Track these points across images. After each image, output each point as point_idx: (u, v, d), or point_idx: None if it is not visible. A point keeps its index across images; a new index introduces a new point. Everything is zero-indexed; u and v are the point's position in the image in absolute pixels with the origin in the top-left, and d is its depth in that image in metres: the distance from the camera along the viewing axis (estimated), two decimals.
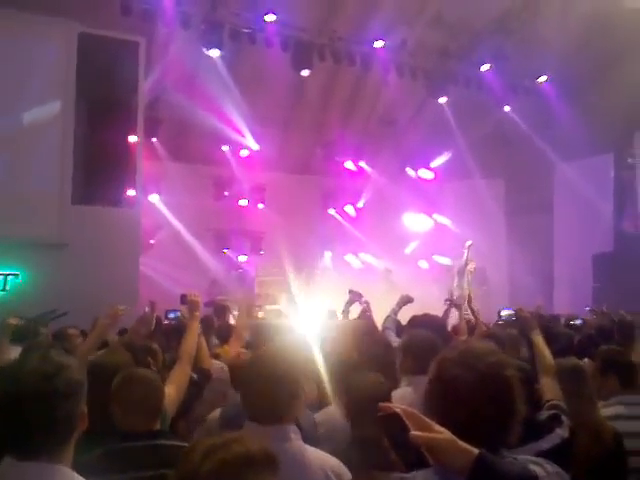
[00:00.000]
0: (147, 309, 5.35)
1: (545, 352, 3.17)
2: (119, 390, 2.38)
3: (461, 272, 11.98)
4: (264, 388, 2.06)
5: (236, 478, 1.22)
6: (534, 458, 1.54)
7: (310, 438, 2.29)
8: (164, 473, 2.04)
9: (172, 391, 3.09)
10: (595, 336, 5.31)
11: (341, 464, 2.08)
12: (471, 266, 12.01)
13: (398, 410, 1.34)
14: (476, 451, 1.29)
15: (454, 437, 1.31)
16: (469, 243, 11.91)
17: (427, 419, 1.35)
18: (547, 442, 2.26)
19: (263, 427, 2.01)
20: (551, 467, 1.49)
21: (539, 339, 3.26)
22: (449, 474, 1.43)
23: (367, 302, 6.49)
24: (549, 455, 2.18)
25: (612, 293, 11.38)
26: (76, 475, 1.59)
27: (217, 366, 4.16)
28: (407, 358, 3.41)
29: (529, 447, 2.18)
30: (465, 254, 11.95)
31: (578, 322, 6.53)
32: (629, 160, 13.46)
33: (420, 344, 3.38)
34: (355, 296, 6.06)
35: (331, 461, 2.07)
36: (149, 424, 2.38)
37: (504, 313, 5.05)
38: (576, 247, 13.31)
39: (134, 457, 2.23)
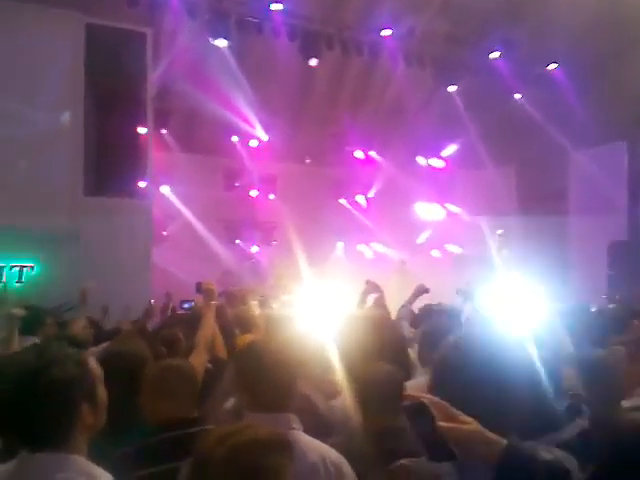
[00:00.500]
0: (152, 301, 5.38)
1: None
2: (156, 380, 2.37)
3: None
4: (261, 377, 2.04)
5: (248, 461, 1.25)
6: (545, 446, 1.54)
7: (326, 424, 2.25)
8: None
9: (200, 358, 3.16)
10: (610, 325, 5.23)
11: (341, 457, 2.06)
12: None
13: (425, 400, 1.31)
14: (504, 442, 1.27)
15: (481, 428, 1.28)
16: (500, 232, 11.72)
17: (454, 409, 1.31)
18: (567, 432, 2.22)
19: (263, 415, 1.98)
20: (560, 453, 1.51)
21: None
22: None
23: (381, 291, 6.45)
24: (569, 445, 2.14)
25: (627, 281, 11.30)
26: (91, 464, 1.58)
27: None
28: (423, 348, 3.36)
29: (549, 437, 2.14)
30: (496, 242, 11.80)
31: (592, 310, 6.48)
32: None
33: (436, 334, 3.33)
34: (372, 287, 6.01)
35: (330, 453, 2.05)
36: (187, 412, 2.35)
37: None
38: (591, 235, 13.20)
39: (172, 447, 2.19)
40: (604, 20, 11.28)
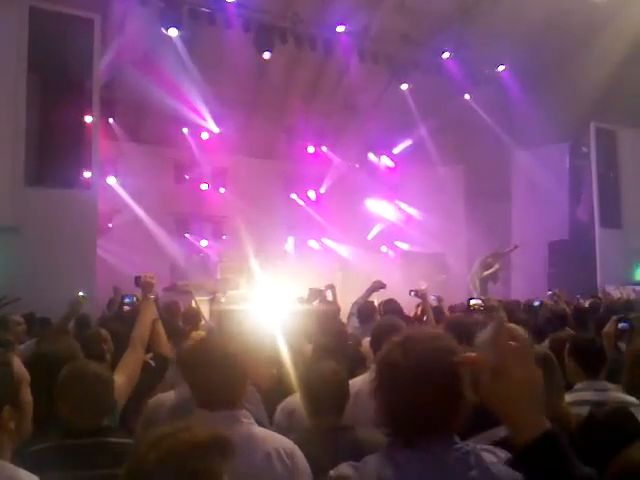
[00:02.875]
0: (81, 294, 5.23)
1: None
2: (65, 386, 2.27)
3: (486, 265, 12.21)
4: (212, 373, 2.01)
5: (183, 465, 1.19)
6: (487, 446, 1.55)
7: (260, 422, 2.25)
8: (109, 473, 1.96)
9: (122, 380, 2.94)
10: (552, 320, 5.43)
11: (295, 446, 2.05)
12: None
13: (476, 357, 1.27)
14: (549, 425, 1.21)
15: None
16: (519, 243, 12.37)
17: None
18: (503, 429, 2.28)
19: (213, 413, 1.97)
20: (503, 454, 1.49)
21: None
22: (397, 456, 1.42)
23: (332, 286, 6.51)
24: (506, 443, 2.21)
25: (567, 279, 11.74)
26: (17, 469, 1.53)
27: None
28: (375, 345, 3.40)
29: (485, 435, 2.19)
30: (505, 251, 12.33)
31: (536, 303, 6.75)
32: (584, 149, 13.81)
33: (384, 330, 3.37)
34: (377, 284, 6.10)
35: (284, 442, 2.04)
36: (96, 421, 2.28)
37: (473, 302, 5.13)
38: (533, 234, 13.64)
39: (77, 455, 2.14)
40: (551, 25, 11.66)
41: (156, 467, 1.19)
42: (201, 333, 4.94)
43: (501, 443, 2.07)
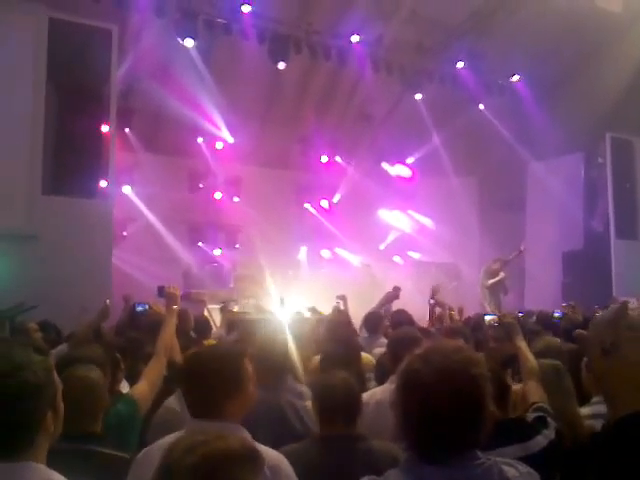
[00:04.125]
0: (107, 301, 5.30)
1: (529, 356, 3.18)
2: (64, 389, 2.30)
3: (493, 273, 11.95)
4: (206, 382, 2.03)
5: (216, 471, 1.23)
6: (508, 460, 1.54)
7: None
8: None
9: (145, 387, 3.03)
10: (570, 331, 5.37)
11: (282, 457, 2.05)
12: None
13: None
14: None
15: None
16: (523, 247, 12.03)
17: None
18: (535, 444, 2.27)
19: (204, 422, 1.98)
20: (523, 467, 1.50)
21: (523, 344, 3.27)
22: (419, 472, 1.42)
23: (344, 297, 6.52)
24: (537, 457, 2.20)
25: (581, 290, 11.63)
26: (53, 472, 1.56)
27: None
28: (389, 356, 3.39)
29: (517, 447, 2.19)
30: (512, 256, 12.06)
31: (557, 314, 6.69)
32: (599, 160, 13.71)
33: (399, 342, 3.36)
34: (391, 295, 6.14)
35: (270, 454, 2.02)
36: (85, 427, 2.30)
37: (487, 318, 5.10)
38: (547, 244, 13.54)
39: (61, 460, 2.12)
40: (565, 34, 11.63)
41: (192, 472, 1.23)
42: (211, 342, 4.98)
43: (533, 456, 2.07)
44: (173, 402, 3.06)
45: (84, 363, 2.59)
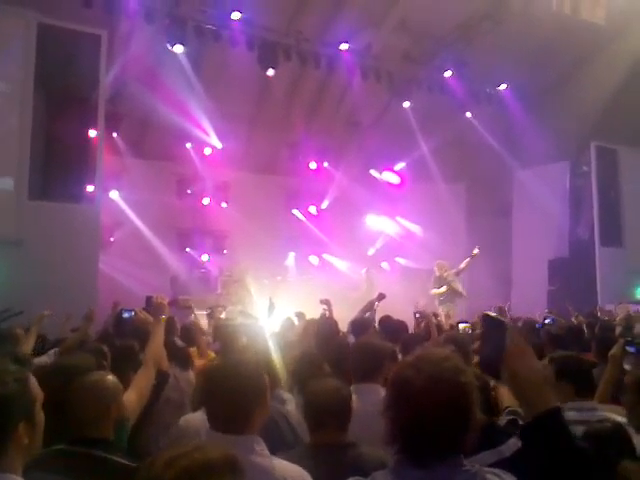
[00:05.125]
0: (91, 308, 5.30)
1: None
2: (74, 396, 2.34)
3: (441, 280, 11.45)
4: (228, 398, 2.05)
5: None
6: (492, 469, 1.58)
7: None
8: None
9: (134, 397, 3.00)
10: (563, 338, 5.44)
11: (302, 471, 2.09)
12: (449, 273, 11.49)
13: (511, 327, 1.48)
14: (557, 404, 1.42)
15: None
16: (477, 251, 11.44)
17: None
18: (508, 448, 2.31)
19: (226, 436, 2.00)
20: (508, 477, 1.54)
21: None
22: (405, 475, 1.46)
23: (328, 301, 6.51)
24: (510, 461, 2.23)
25: (566, 297, 11.74)
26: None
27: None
28: (355, 364, 3.37)
29: (490, 453, 2.21)
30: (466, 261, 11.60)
31: (548, 320, 6.78)
32: (584, 168, 13.88)
33: (363, 352, 3.35)
34: (380, 297, 6.20)
35: (294, 470, 2.07)
36: (95, 432, 2.32)
37: (461, 326, 5.16)
38: (533, 251, 13.66)
39: (67, 461, 2.18)
40: (552, 44, 11.79)
41: None
42: (211, 355, 4.99)
43: (507, 461, 2.11)
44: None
45: (71, 369, 2.60)
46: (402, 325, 5.41)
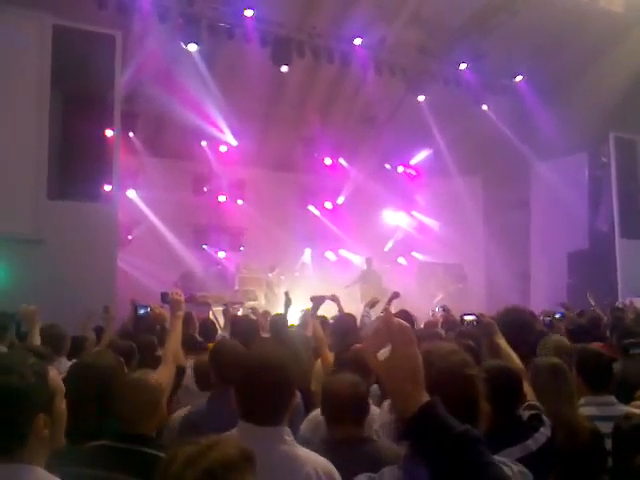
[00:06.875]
0: (108, 305, 5.36)
1: (511, 354, 3.19)
2: (120, 391, 2.43)
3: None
4: (264, 390, 2.06)
5: None
6: (501, 458, 1.57)
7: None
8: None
9: None
10: (576, 330, 5.38)
11: (329, 463, 2.10)
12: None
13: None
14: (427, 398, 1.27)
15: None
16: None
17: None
18: (534, 442, 2.30)
19: (257, 428, 2.02)
20: (516, 467, 1.55)
21: (503, 342, 3.29)
22: (414, 470, 1.45)
23: (336, 297, 6.42)
24: (538, 455, 2.22)
25: (586, 290, 11.58)
26: (50, 475, 1.58)
27: None
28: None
29: (518, 448, 2.21)
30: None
31: (558, 315, 6.70)
32: (603, 159, 13.68)
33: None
34: (395, 295, 6.22)
35: (322, 461, 2.10)
36: (139, 428, 2.39)
37: (467, 318, 5.12)
38: (552, 244, 13.51)
39: (111, 456, 2.24)
40: (568, 35, 11.62)
41: None
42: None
43: (534, 455, 2.08)
44: None
45: (99, 367, 2.64)
46: (408, 319, 5.37)
